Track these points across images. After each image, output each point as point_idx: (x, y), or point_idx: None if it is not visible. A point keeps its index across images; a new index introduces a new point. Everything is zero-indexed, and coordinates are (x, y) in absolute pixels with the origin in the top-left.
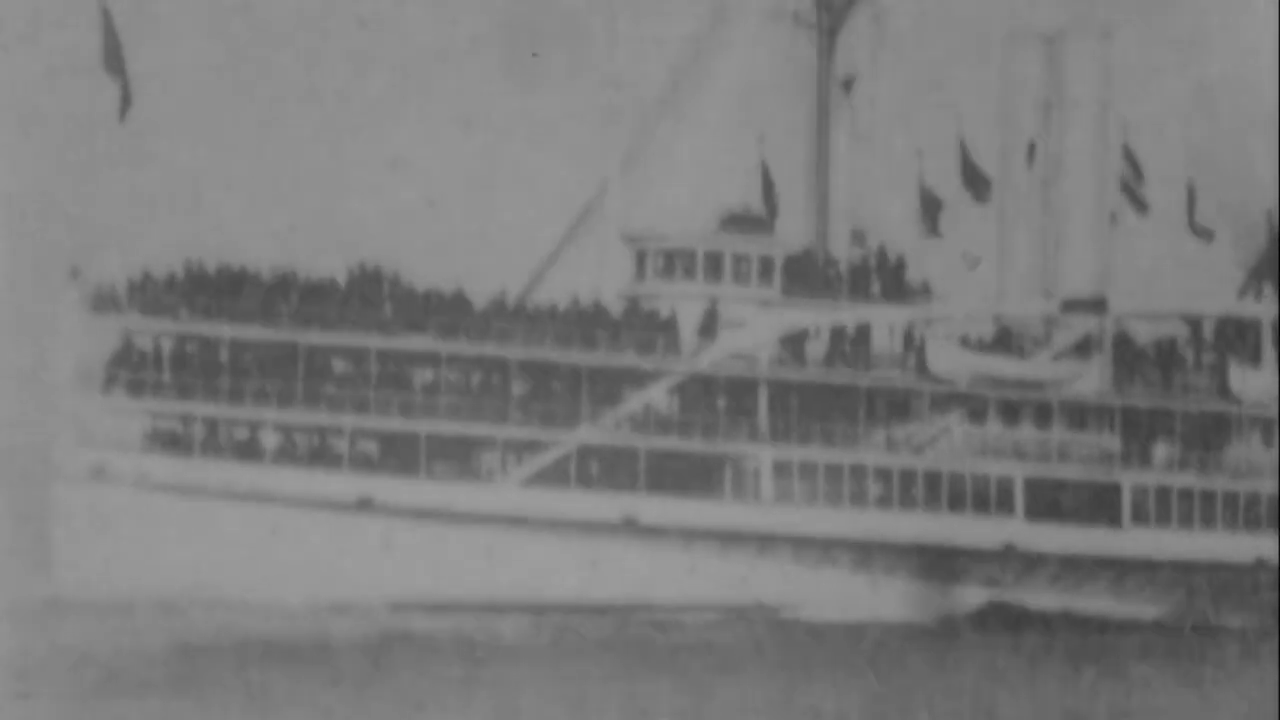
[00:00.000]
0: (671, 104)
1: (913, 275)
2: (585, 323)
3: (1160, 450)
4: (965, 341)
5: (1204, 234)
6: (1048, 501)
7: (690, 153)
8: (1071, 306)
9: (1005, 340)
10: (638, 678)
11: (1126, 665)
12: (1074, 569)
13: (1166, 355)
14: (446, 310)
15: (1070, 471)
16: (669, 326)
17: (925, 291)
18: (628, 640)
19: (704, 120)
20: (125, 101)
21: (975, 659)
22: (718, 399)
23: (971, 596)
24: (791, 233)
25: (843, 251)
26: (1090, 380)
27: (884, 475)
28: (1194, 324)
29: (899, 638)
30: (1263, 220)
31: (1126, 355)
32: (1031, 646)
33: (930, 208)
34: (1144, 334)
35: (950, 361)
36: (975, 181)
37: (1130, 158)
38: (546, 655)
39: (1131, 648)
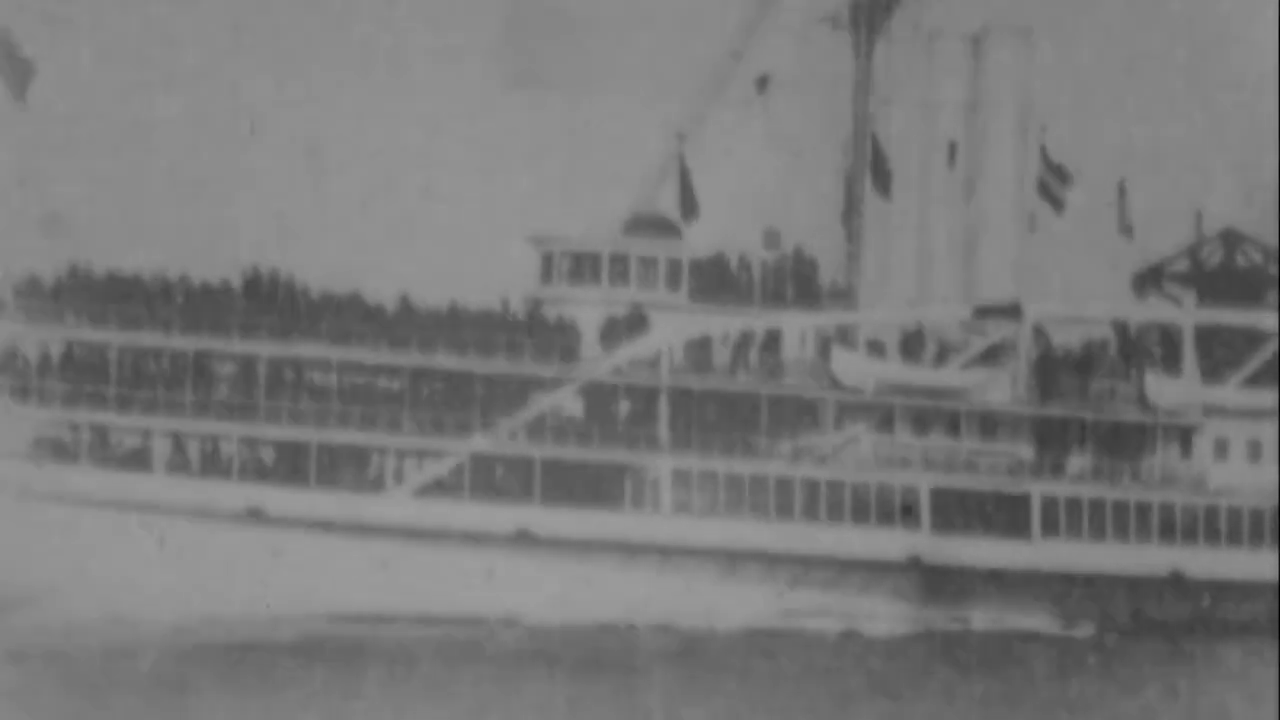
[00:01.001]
0: (584, 101)
1: (832, 279)
2: (485, 328)
3: (1074, 460)
4: (875, 348)
5: (1127, 233)
6: (954, 513)
7: (605, 151)
8: (985, 312)
9: (917, 347)
10: (531, 689)
11: (1036, 678)
12: (983, 582)
13: (1083, 363)
14: (342, 315)
15: (978, 482)
16: (572, 332)
17: (844, 296)
18: (522, 652)
19: (621, 117)
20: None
21: (885, 671)
22: (619, 407)
23: (880, 609)
24: (712, 235)
25: (756, 254)
26: (1002, 388)
27: (786, 486)
28: (1121, 329)
29: (807, 649)
30: (1192, 221)
31: (1041, 363)
32: (940, 659)
33: (853, 209)
34: (1074, 339)
35: (857, 369)
36: (882, 176)
37: (1047, 159)
38: (439, 668)
39: (1041, 660)
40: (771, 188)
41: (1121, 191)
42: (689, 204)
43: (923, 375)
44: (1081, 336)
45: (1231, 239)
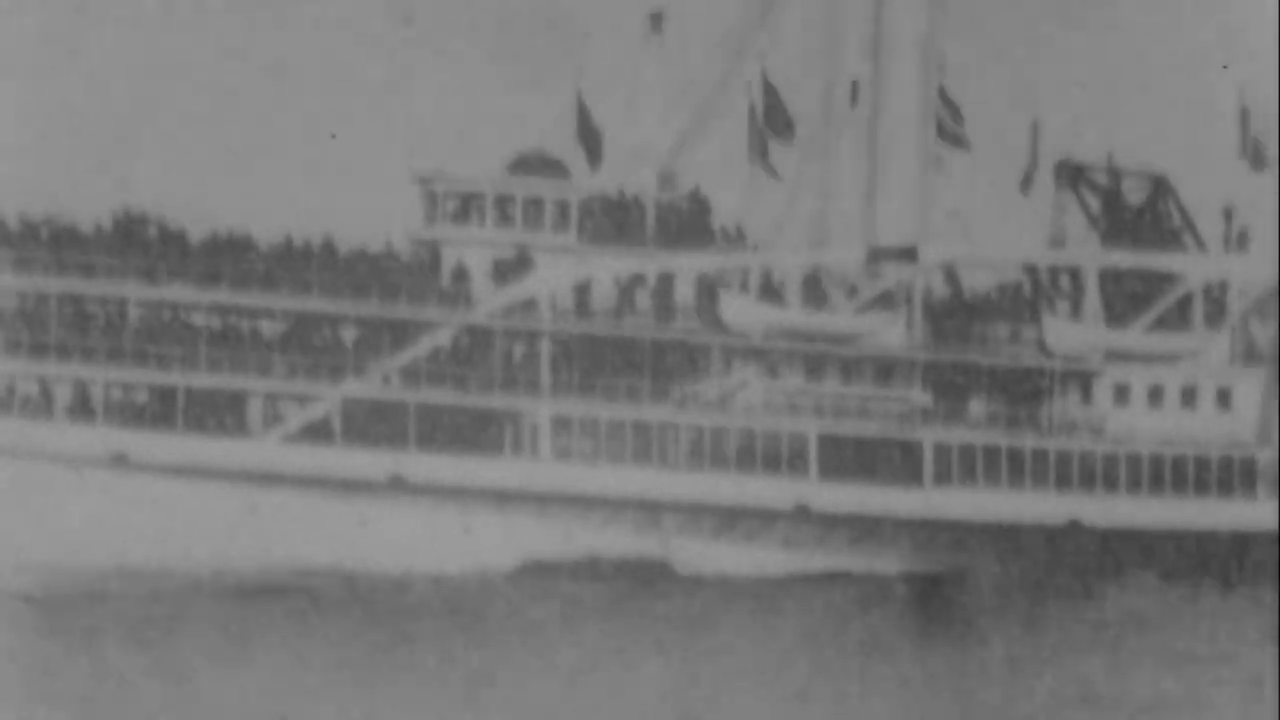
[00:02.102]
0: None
1: (732, 222)
2: (367, 269)
3: (974, 407)
4: (775, 292)
5: (1028, 181)
6: (843, 460)
7: (497, 89)
8: (880, 255)
9: (813, 291)
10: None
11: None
12: (874, 530)
13: (981, 307)
14: (216, 256)
15: (869, 428)
16: (454, 274)
17: (743, 239)
18: (395, 602)
19: (519, 55)
20: None
21: (772, 621)
22: (498, 351)
23: (768, 557)
24: (605, 176)
25: (651, 196)
26: (898, 334)
27: (670, 432)
28: (1032, 273)
29: (690, 596)
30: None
31: (939, 308)
32: (821, 608)
33: (758, 147)
34: (989, 283)
35: (745, 314)
36: (777, 122)
37: (946, 98)
38: (311, 619)
39: (927, 606)
40: (668, 128)
41: (1034, 132)
42: (593, 143)
43: (814, 320)
44: (997, 281)
45: (1160, 186)
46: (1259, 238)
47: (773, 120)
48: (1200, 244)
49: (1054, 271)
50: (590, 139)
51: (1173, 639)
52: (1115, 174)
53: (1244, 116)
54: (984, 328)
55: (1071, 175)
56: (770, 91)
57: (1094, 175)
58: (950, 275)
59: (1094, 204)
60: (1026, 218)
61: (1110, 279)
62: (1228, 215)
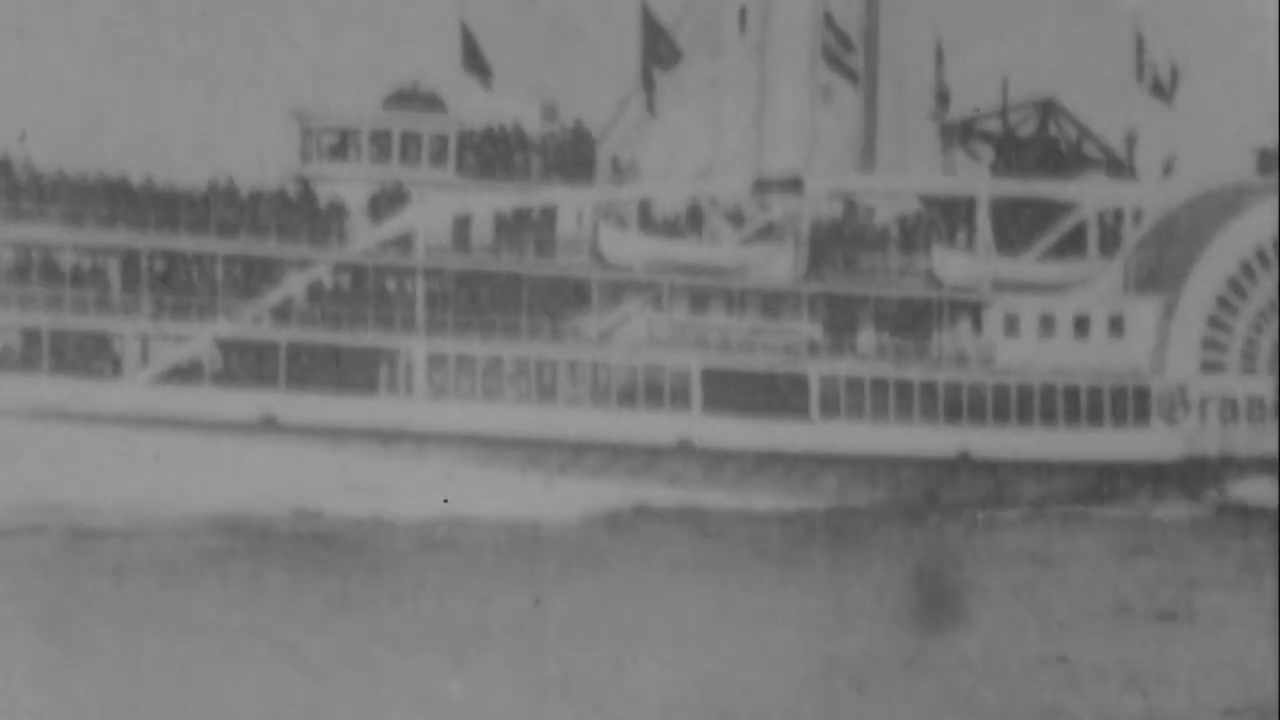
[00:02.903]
0: None
1: (618, 154)
2: (241, 206)
3: (864, 339)
4: (650, 224)
5: (943, 102)
6: (727, 395)
7: (376, 20)
8: (766, 186)
9: (695, 223)
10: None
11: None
12: (764, 465)
13: (872, 238)
14: (82, 194)
15: (753, 362)
16: (331, 211)
17: (632, 171)
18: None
19: None
20: None
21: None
22: (372, 288)
23: (652, 494)
24: (486, 109)
25: (534, 129)
26: (781, 266)
27: (548, 369)
28: (930, 203)
29: (574, 534)
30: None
31: (825, 238)
32: (712, 544)
33: (646, 80)
34: (890, 214)
35: (626, 247)
36: (662, 51)
37: (834, 26)
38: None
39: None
40: (551, 59)
41: (939, 57)
42: (480, 67)
43: (697, 252)
44: (896, 212)
45: (1049, 110)
46: (1158, 164)
47: (657, 50)
48: (1106, 151)
49: (949, 202)
50: (479, 66)
51: (1068, 572)
52: (1004, 116)
53: (1139, 43)
54: (876, 259)
55: (961, 133)
56: (650, 20)
57: (984, 125)
58: (850, 207)
59: (987, 153)
60: (922, 148)
61: (1006, 209)
62: (1130, 141)
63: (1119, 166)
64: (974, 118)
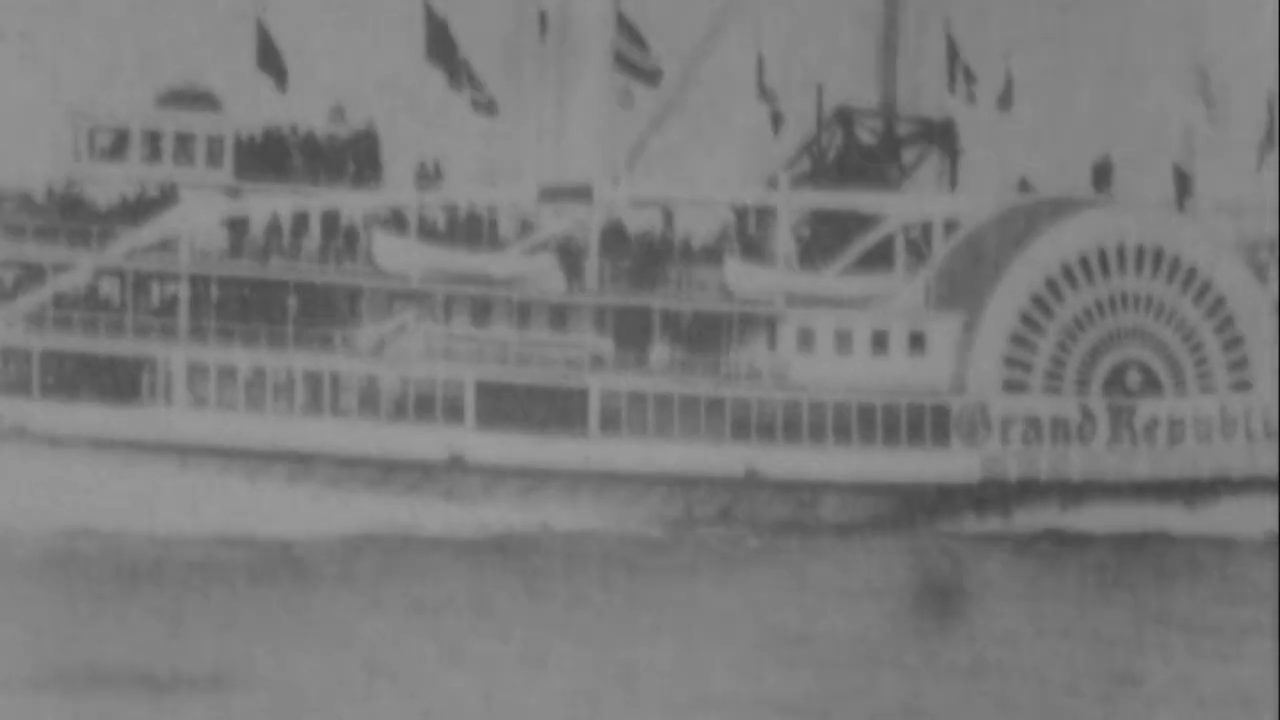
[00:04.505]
0: None
1: (412, 159)
2: (10, 209)
3: (654, 353)
4: (430, 232)
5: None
6: (502, 409)
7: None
8: (554, 194)
9: (476, 231)
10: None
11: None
12: (541, 481)
13: (661, 249)
14: None
15: (531, 376)
16: (97, 213)
17: (424, 177)
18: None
19: None
20: None
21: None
22: (136, 294)
23: (424, 509)
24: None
25: (321, 130)
26: (560, 277)
27: (314, 379)
28: (742, 214)
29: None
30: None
31: (618, 249)
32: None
33: (457, 81)
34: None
35: (401, 255)
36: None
37: (628, 28)
38: None
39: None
40: (343, 61)
41: (760, 65)
42: (275, 67)
43: (474, 261)
44: (720, 223)
45: (845, 116)
46: (967, 177)
47: (441, 53)
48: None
49: (760, 213)
50: (274, 65)
51: (861, 589)
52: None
53: (952, 50)
54: (675, 270)
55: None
56: (434, 21)
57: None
58: (669, 215)
59: (804, 164)
60: (737, 157)
61: (820, 221)
62: (952, 152)
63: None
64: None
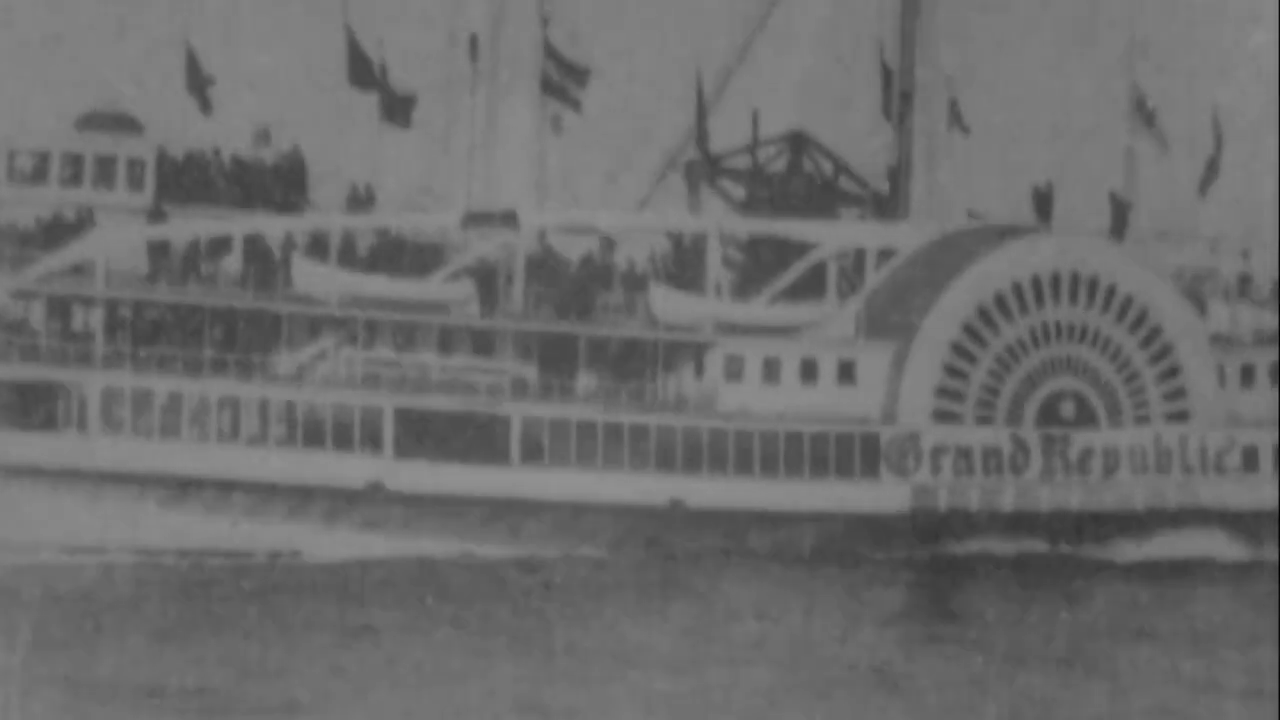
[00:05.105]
0: None
1: (340, 183)
2: None
3: (581, 381)
4: (353, 257)
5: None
6: (422, 437)
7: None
8: (478, 220)
9: (398, 256)
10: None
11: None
12: (463, 509)
13: (594, 275)
14: None
15: (450, 403)
16: (13, 237)
17: (356, 201)
18: None
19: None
20: None
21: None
22: (50, 319)
23: (340, 539)
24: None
25: (247, 153)
26: (474, 303)
27: (230, 406)
28: (677, 241)
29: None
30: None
31: (544, 276)
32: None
33: (391, 107)
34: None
35: (321, 280)
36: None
37: (555, 53)
38: None
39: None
40: (269, 84)
41: (699, 91)
42: (203, 92)
43: (398, 288)
44: (643, 250)
45: (799, 143)
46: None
47: (359, 74)
48: (861, 184)
49: (694, 239)
50: (200, 88)
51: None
52: (752, 152)
53: (886, 78)
54: (606, 297)
55: (706, 172)
56: (354, 45)
57: (733, 162)
58: (608, 243)
59: (738, 192)
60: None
61: (752, 248)
62: (893, 177)
63: (880, 202)
64: (722, 155)
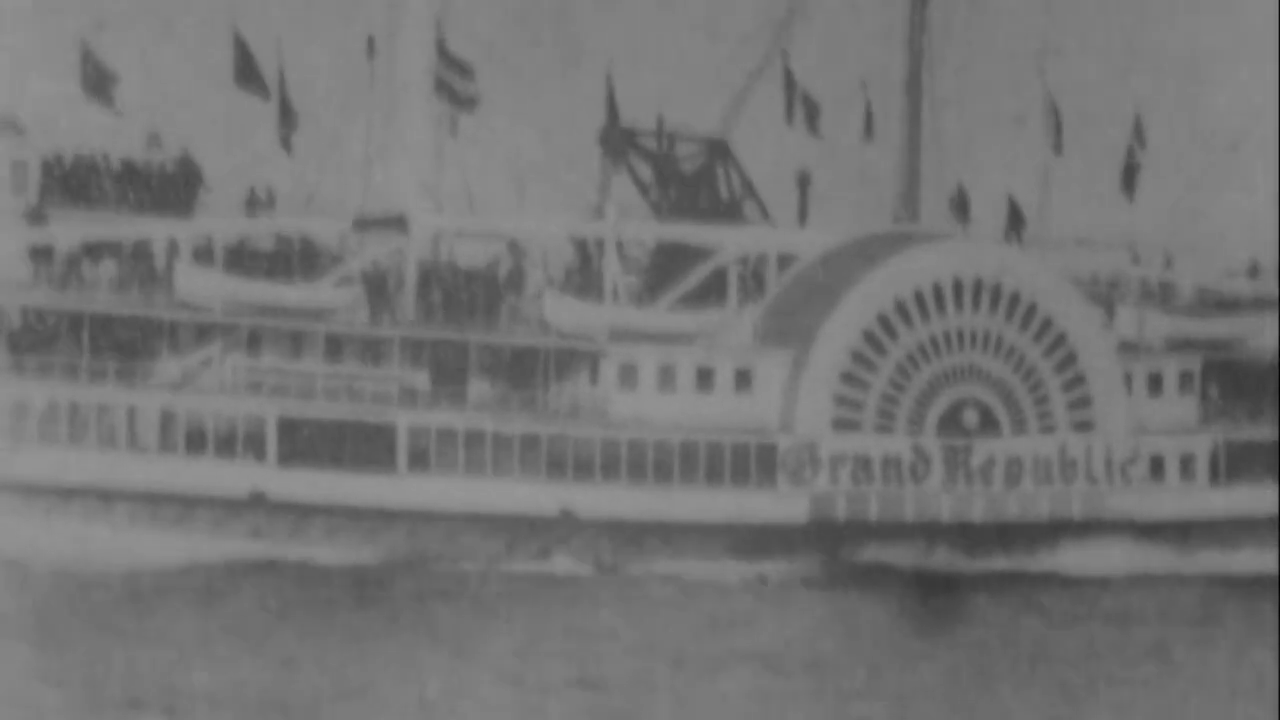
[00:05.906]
0: None
1: (233, 187)
2: None
3: (473, 389)
4: (239, 263)
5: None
6: (306, 444)
7: None
8: (368, 224)
9: (287, 262)
10: None
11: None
12: (350, 519)
13: (484, 281)
14: None
15: (334, 411)
16: None
17: (252, 205)
18: None
19: None
20: None
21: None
22: None
23: (228, 548)
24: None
25: (139, 156)
26: (362, 309)
27: (109, 414)
28: (581, 246)
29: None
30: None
31: (433, 281)
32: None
33: (287, 110)
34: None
35: (206, 286)
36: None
37: (446, 53)
38: None
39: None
40: (161, 87)
41: (609, 88)
42: (102, 88)
43: (283, 293)
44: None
45: (717, 151)
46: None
47: (246, 75)
48: (764, 211)
49: (598, 244)
50: (100, 87)
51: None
52: (669, 139)
53: (788, 80)
54: (508, 304)
55: (619, 142)
56: (241, 46)
57: (644, 141)
58: (516, 249)
59: (645, 172)
60: (572, 186)
61: (656, 252)
62: (802, 184)
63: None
64: (635, 131)
